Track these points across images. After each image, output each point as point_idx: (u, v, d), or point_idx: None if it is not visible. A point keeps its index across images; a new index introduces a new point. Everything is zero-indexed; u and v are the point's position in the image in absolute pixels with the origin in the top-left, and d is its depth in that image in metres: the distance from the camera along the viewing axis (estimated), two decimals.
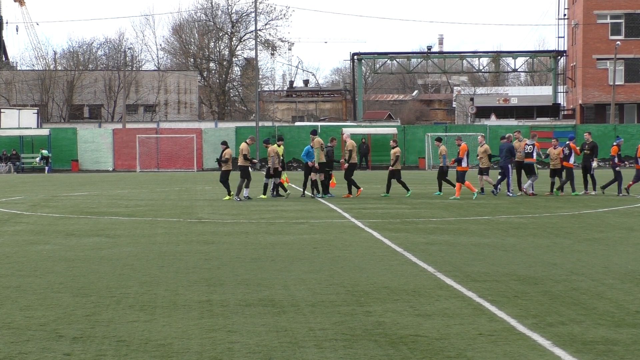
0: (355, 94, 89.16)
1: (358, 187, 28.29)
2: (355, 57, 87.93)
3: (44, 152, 60.94)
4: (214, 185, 37.24)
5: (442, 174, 29.16)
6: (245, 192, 26.95)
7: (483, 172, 29.30)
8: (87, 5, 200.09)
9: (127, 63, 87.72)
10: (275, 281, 11.22)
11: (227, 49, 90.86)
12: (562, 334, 8.13)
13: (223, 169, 27.34)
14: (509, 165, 29.07)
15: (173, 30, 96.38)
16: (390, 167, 29.11)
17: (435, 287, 10.73)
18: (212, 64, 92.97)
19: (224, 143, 27.88)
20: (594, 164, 29.42)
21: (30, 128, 66.15)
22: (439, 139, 30.11)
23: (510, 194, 28.33)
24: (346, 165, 28.23)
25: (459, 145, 28.02)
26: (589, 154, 29.57)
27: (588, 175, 29.48)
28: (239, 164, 27.21)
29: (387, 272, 11.92)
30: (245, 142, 27.68)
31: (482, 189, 29.22)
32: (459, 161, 27.57)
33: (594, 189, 29.29)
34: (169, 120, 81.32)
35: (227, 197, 27.37)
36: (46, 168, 60.16)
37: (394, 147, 28.53)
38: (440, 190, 29.46)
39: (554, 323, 8.59)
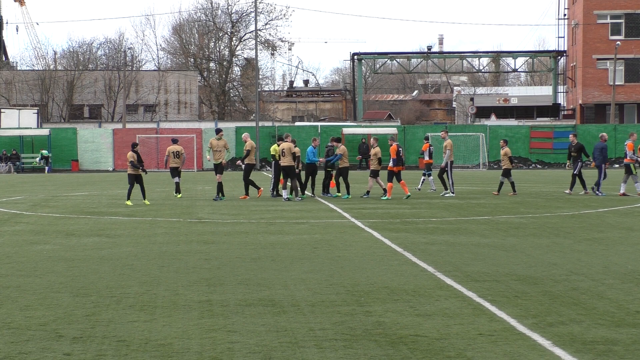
0: (355, 94, 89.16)
1: (258, 188, 27.96)
2: (355, 57, 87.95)
3: (44, 152, 60.96)
4: (214, 185, 37.24)
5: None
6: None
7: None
8: (87, 5, 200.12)
9: (127, 63, 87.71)
10: (275, 281, 11.22)
11: (227, 49, 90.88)
12: (562, 334, 8.13)
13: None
14: (603, 165, 29.07)
15: (173, 30, 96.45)
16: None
17: (435, 287, 10.73)
18: (212, 64, 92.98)
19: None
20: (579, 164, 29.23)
21: (30, 128, 66.16)
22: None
23: (600, 194, 28.30)
24: (241, 165, 28.11)
25: (391, 145, 27.92)
26: (576, 155, 29.28)
27: (576, 176, 29.13)
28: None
29: (387, 272, 11.91)
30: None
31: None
32: (394, 161, 27.54)
33: (570, 189, 29.12)
34: (169, 120, 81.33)
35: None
36: (46, 168, 60.16)
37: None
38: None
39: (554, 323, 8.59)
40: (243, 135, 28.40)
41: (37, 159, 61.27)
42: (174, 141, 29.77)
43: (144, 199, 25.80)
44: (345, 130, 63.67)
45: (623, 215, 20.96)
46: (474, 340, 7.89)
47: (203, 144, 63.21)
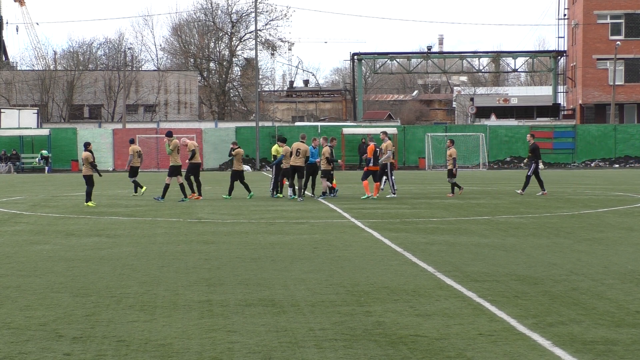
0: (355, 94, 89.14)
1: (193, 192, 27.79)
2: (355, 57, 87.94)
3: (44, 152, 60.96)
4: (214, 185, 37.23)
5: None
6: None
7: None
8: (86, 5, 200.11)
9: (127, 63, 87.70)
10: (275, 281, 11.22)
11: (227, 49, 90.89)
12: (562, 334, 8.13)
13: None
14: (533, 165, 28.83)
15: (173, 30, 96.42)
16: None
17: (435, 287, 10.73)
18: (212, 64, 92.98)
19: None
20: (541, 165, 28.92)
21: (30, 128, 66.17)
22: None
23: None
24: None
25: (367, 145, 27.81)
26: (531, 156, 28.84)
27: (529, 177, 28.63)
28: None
29: (387, 272, 11.91)
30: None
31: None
32: (367, 161, 27.50)
33: (522, 190, 28.66)
34: (169, 120, 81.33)
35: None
36: (46, 168, 60.16)
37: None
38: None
39: (554, 323, 8.59)
40: (182, 140, 28.66)
41: (37, 159, 61.27)
42: (132, 141, 30.02)
43: (87, 201, 25.00)
44: (345, 130, 63.64)
45: (623, 215, 20.96)
46: (474, 340, 7.88)
47: (203, 144, 63.20)
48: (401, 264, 12.74)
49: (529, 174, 28.80)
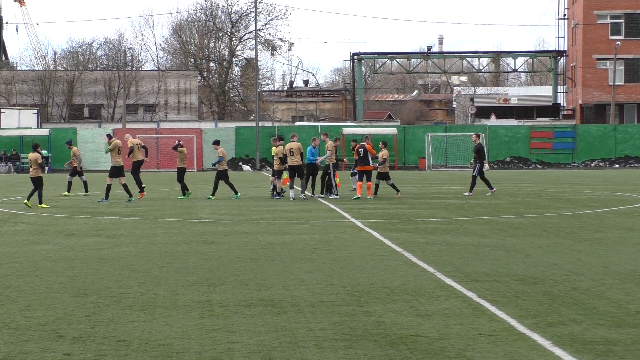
0: (355, 94, 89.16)
1: (142, 191, 27.93)
2: (355, 57, 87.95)
3: (44, 152, 60.88)
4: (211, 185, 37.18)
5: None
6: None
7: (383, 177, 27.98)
8: (86, 5, 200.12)
9: (127, 63, 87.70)
10: (275, 281, 11.22)
11: (227, 49, 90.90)
12: (562, 334, 8.13)
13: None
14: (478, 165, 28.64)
15: (173, 30, 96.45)
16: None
17: (435, 287, 10.73)
18: (212, 64, 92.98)
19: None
20: (486, 166, 28.76)
21: (30, 128, 66.17)
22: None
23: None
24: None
25: (353, 147, 27.88)
26: (476, 156, 28.58)
27: (475, 177, 28.40)
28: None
29: (387, 272, 11.91)
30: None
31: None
32: (356, 161, 27.53)
33: (470, 191, 28.39)
34: (169, 120, 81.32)
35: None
36: (46, 168, 60.10)
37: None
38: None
39: (554, 323, 8.59)
40: (125, 137, 28.88)
41: None
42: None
43: (41, 203, 24.87)
44: (345, 131, 63.63)
45: (623, 215, 20.96)
46: (474, 340, 7.88)
47: (203, 144, 63.22)
48: (401, 264, 12.74)
49: (474, 174, 28.49)
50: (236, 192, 28.04)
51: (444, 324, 8.58)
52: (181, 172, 28.46)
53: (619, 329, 8.31)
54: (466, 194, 28.57)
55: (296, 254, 13.99)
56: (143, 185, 28.11)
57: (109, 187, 27.00)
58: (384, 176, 27.73)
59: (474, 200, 26.65)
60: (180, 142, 29.41)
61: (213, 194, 27.74)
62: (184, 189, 28.28)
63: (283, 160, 27.25)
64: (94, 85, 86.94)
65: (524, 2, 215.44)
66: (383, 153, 27.70)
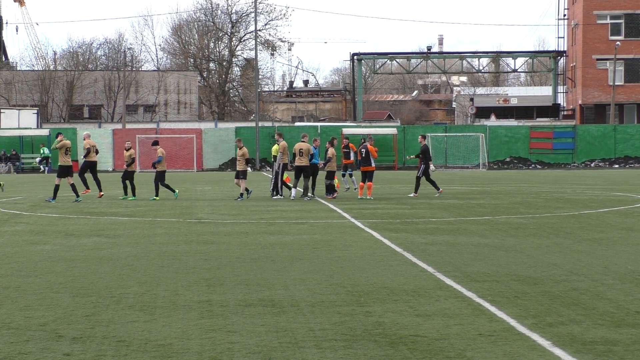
0: (355, 94, 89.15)
1: (87, 187, 28.08)
2: (355, 57, 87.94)
3: (45, 149, 60.84)
4: (214, 185, 37.23)
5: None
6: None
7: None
8: (86, 5, 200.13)
9: (127, 63, 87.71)
10: (275, 281, 11.22)
11: (227, 49, 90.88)
12: (562, 334, 8.13)
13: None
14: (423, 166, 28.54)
15: (173, 30, 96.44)
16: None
17: (435, 287, 10.73)
18: (212, 64, 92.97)
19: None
20: (432, 167, 28.65)
21: (30, 128, 66.17)
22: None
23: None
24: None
25: (345, 146, 27.94)
26: (422, 157, 28.39)
27: (419, 178, 28.32)
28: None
29: (387, 272, 11.91)
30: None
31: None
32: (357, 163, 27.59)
33: (415, 192, 28.27)
34: (169, 120, 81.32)
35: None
36: (46, 169, 60.09)
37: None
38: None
39: (554, 323, 8.59)
40: (83, 134, 28.84)
41: (37, 160, 61.21)
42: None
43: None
44: (345, 131, 63.61)
45: (623, 215, 20.96)
46: (474, 341, 7.88)
47: (203, 144, 63.22)
48: (401, 264, 12.74)
49: (418, 175, 28.38)
50: (174, 191, 28.06)
51: (443, 324, 8.58)
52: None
53: (618, 329, 8.31)
54: (411, 195, 28.42)
55: (296, 254, 13.99)
56: (88, 188, 28.29)
57: (56, 187, 27.08)
58: (329, 175, 27.83)
59: (474, 200, 26.65)
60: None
61: (156, 195, 27.71)
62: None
63: (248, 160, 27.32)
64: (94, 86, 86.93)
65: (524, 2, 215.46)
66: (330, 152, 27.92)
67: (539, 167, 63.87)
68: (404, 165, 64.13)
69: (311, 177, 28.29)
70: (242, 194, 27.40)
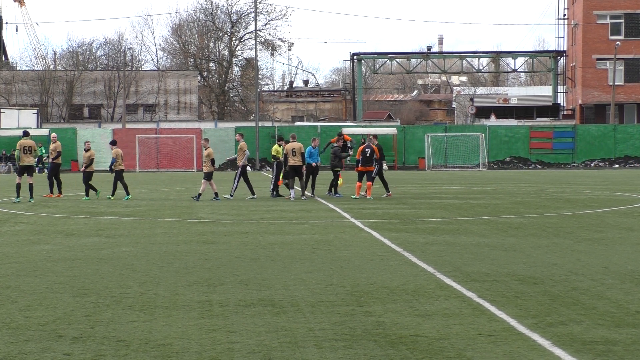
0: (355, 94, 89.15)
1: (57, 190, 28.61)
2: (355, 57, 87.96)
3: (42, 149, 60.77)
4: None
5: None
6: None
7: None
8: (86, 5, 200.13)
9: (127, 63, 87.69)
10: (275, 281, 11.22)
11: (227, 49, 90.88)
12: (562, 334, 8.13)
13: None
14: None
15: (172, 30, 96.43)
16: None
17: (435, 287, 10.73)
18: (211, 64, 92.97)
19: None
20: (385, 167, 28.64)
21: (30, 128, 66.11)
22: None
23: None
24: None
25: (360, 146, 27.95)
26: (377, 158, 28.30)
27: (373, 179, 27.72)
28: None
29: (387, 272, 11.91)
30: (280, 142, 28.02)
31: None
32: (357, 162, 27.56)
33: (388, 192, 28.11)
34: (169, 120, 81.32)
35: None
36: (45, 169, 59.99)
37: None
38: (387, 190, 28.65)
39: (554, 323, 8.59)
40: (52, 136, 29.51)
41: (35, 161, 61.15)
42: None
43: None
44: (345, 131, 63.60)
45: (623, 215, 20.96)
46: (474, 340, 7.88)
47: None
48: (401, 264, 12.74)
49: (373, 176, 28.05)
50: (128, 193, 28.05)
51: (443, 324, 8.58)
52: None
53: (618, 329, 8.31)
54: (384, 195, 28.16)
55: (296, 254, 13.99)
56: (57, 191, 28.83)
57: (18, 186, 27.29)
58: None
59: (474, 200, 26.65)
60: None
61: (112, 194, 28.18)
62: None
63: (214, 161, 27.28)
64: (94, 85, 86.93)
65: (523, 2, 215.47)
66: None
67: (539, 167, 63.87)
68: (404, 165, 64.12)
69: (311, 177, 28.33)
70: (216, 193, 27.34)
